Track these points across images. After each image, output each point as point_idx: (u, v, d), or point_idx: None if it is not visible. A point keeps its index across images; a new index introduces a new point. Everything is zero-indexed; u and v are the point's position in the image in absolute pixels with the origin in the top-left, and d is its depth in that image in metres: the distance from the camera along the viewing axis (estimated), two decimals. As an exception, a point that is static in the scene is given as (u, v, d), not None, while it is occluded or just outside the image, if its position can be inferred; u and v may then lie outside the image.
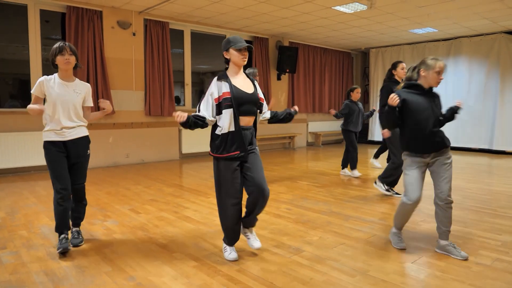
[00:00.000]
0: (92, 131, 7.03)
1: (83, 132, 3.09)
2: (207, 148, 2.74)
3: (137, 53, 7.56)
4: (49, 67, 3.07)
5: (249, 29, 9.08)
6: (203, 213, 4.05)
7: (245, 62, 2.71)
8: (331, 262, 2.78)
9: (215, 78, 2.74)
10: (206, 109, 2.66)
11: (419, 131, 2.87)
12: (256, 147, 2.84)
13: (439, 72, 2.88)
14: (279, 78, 10.13)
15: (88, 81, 6.84)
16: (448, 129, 10.99)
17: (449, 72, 10.16)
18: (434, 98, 2.98)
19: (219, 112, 2.67)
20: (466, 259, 2.81)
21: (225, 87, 2.67)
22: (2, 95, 6.72)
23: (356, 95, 6.17)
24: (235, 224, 2.81)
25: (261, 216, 3.92)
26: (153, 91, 7.67)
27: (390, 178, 4.77)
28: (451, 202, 2.90)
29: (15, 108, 6.47)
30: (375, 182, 4.97)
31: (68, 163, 3.01)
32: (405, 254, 2.93)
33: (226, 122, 2.64)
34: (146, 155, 7.77)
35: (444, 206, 2.89)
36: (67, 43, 2.96)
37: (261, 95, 2.89)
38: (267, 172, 6.71)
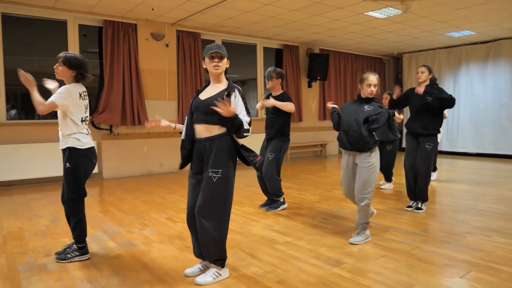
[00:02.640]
0: (127, 140, 7.27)
1: (65, 143, 2.93)
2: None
3: (170, 63, 7.71)
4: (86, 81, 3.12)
5: (280, 37, 9.09)
6: (239, 222, 4.03)
7: (218, 70, 2.54)
8: (374, 275, 2.68)
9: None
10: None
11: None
12: (216, 170, 2.47)
13: (369, 85, 3.35)
14: (310, 86, 10.06)
15: (123, 92, 7.04)
16: (488, 135, 10.48)
17: (488, 76, 9.78)
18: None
19: None
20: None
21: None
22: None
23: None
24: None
25: (297, 226, 3.87)
26: (186, 101, 7.78)
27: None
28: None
29: (51, 119, 6.68)
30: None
31: None
32: (451, 268, 2.79)
33: (183, 128, 2.64)
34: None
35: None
36: (69, 53, 2.96)
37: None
38: (300, 180, 6.64)
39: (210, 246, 2.54)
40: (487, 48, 9.77)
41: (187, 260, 2.99)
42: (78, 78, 2.99)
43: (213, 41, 8.41)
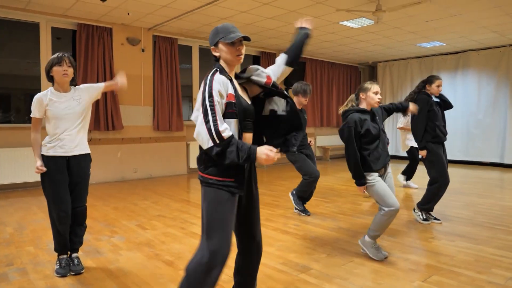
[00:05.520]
0: (100, 146, 7.15)
1: (86, 148, 2.88)
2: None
3: (146, 69, 7.66)
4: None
5: (257, 44, 9.17)
6: (210, 229, 4.02)
7: (241, 61, 1.95)
8: (340, 280, 2.72)
9: (215, 73, 1.87)
10: (225, 123, 1.80)
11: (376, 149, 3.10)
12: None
13: (376, 93, 3.12)
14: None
15: (97, 97, 6.93)
16: (457, 142, 10.73)
17: (457, 86, 10.12)
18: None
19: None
20: (382, 260, 3.09)
21: (230, 88, 1.86)
22: (13, 111, 6.82)
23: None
24: None
25: (268, 233, 3.89)
26: (161, 106, 7.73)
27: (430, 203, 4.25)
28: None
29: (25, 124, 6.57)
30: (414, 210, 4.42)
31: (69, 183, 2.81)
32: (415, 273, 2.87)
33: None
34: (154, 170, 7.79)
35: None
36: (66, 53, 2.73)
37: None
38: (275, 187, 6.68)
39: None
40: (456, 59, 10.12)
41: (155, 267, 2.97)
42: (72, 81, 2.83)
43: (190, 47, 8.41)
